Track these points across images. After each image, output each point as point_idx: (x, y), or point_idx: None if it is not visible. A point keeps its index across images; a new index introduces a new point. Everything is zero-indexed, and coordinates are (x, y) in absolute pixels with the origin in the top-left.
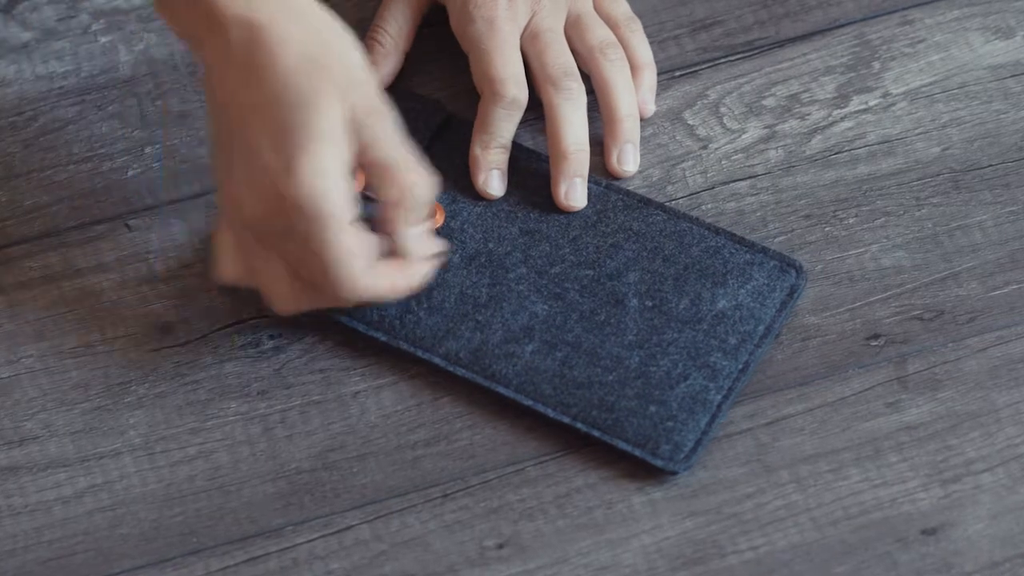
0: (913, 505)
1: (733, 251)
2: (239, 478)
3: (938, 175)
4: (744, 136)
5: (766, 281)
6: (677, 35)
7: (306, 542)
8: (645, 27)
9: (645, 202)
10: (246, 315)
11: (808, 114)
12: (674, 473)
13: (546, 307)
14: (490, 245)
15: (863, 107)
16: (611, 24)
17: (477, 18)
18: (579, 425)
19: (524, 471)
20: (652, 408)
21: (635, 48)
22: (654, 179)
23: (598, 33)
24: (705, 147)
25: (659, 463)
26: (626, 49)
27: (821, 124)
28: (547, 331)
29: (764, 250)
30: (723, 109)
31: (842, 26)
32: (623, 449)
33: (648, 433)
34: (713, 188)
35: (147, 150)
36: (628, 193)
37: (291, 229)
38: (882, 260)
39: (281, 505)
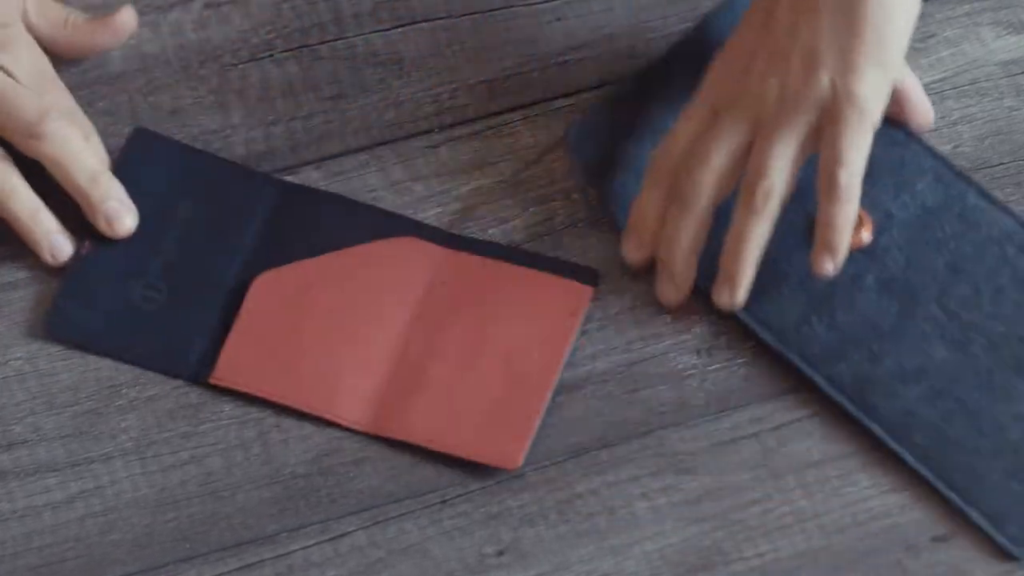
0: (923, 511)
1: None
2: (233, 483)
3: None
4: None
5: None
6: (682, 31)
7: (301, 549)
8: (648, 23)
9: None
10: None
11: None
12: (1015, 559)
13: (945, 353)
14: (909, 273)
15: None
16: None
17: None
18: (939, 485)
19: (525, 476)
20: (1015, 485)
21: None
22: None
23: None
24: None
25: (1002, 541)
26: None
27: None
28: (938, 379)
29: None
30: None
31: None
32: (972, 520)
33: (1002, 509)
34: None
35: None
36: None
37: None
38: None
39: (276, 511)
